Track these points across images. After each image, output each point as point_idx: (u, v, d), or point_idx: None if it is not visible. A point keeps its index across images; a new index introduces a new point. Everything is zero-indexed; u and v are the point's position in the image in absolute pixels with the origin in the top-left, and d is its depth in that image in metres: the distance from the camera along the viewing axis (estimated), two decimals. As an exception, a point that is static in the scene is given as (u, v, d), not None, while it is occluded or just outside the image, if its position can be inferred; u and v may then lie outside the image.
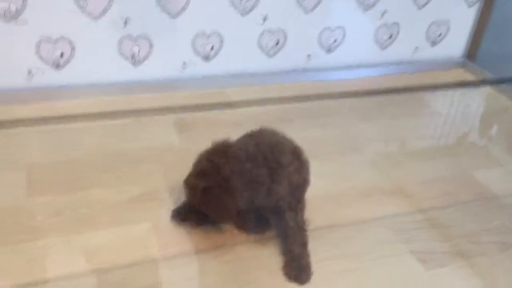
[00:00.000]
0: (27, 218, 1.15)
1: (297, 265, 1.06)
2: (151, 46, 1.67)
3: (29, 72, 1.57)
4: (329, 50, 1.94)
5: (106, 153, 1.41)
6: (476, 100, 1.99)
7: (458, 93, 2.03)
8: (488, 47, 2.09)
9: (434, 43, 2.09)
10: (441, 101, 1.91)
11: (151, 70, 1.71)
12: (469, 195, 1.40)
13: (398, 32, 1.99)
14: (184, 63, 1.75)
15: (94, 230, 1.14)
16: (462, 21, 2.08)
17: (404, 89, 1.95)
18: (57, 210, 1.18)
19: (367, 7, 1.88)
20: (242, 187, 1.04)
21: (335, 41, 1.92)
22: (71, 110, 1.59)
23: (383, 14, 1.92)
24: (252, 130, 1.17)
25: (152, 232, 1.15)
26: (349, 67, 1.99)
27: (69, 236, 1.11)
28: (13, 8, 1.46)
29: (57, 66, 1.59)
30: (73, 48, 1.58)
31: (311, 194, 1.27)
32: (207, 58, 1.77)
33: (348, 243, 1.18)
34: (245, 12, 1.72)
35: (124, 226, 1.16)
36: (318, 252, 1.13)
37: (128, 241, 1.12)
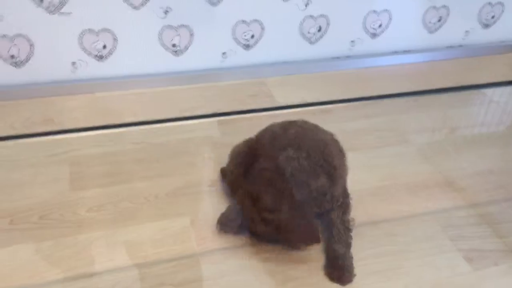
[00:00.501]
0: (71, 212, 1.18)
1: (340, 265, 1.03)
2: (191, 35, 1.66)
3: (73, 64, 1.60)
4: (374, 35, 1.86)
5: (147, 144, 1.42)
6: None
7: (513, 78, 1.91)
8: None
9: (486, 26, 1.97)
10: (494, 88, 1.80)
11: (192, 60, 1.70)
12: (525, 189, 1.32)
13: (448, 14, 1.89)
14: (224, 53, 1.73)
15: (135, 224, 1.15)
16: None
17: (455, 69, 1.86)
18: (99, 204, 1.20)
19: (415, -11, 1.79)
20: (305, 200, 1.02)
21: (380, 25, 1.84)
22: (114, 102, 1.60)
23: (432, -5, 1.83)
24: (284, 126, 1.14)
25: (191, 226, 1.15)
26: (395, 52, 1.91)
27: (111, 230, 1.13)
28: (56, 0, 1.48)
29: (100, 57, 1.61)
30: (115, 40, 1.59)
31: (354, 188, 1.24)
32: (247, 46, 1.74)
33: (391, 240, 1.13)
34: (286, -2, 1.68)
35: (165, 220, 1.17)
36: (360, 250, 1.09)
37: (170, 235, 1.12)
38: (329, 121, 1.54)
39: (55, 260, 1.05)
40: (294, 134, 1.11)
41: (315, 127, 1.18)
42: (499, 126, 1.60)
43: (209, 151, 1.41)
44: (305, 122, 1.18)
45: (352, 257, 1.05)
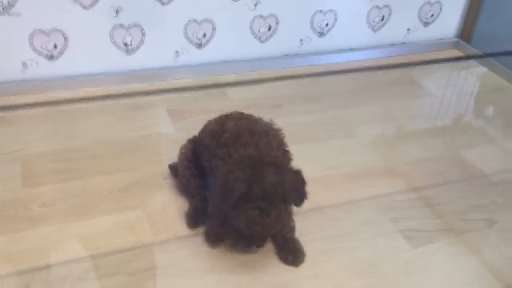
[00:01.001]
0: (24, 209, 1.19)
1: (291, 248, 1.09)
2: (143, 34, 1.69)
3: (24, 64, 1.60)
4: (321, 34, 1.94)
5: (101, 142, 1.44)
6: (470, 80, 1.99)
7: (452, 74, 2.03)
8: (482, 27, 2.08)
9: (426, 24, 2.09)
10: (435, 82, 1.92)
11: (144, 59, 1.73)
12: (459, 174, 1.42)
13: (390, 14, 2.00)
14: (177, 51, 1.77)
15: (89, 218, 1.18)
16: (455, 0, 2.07)
17: (397, 66, 1.97)
18: (52, 200, 1.22)
19: (358, -10, 1.89)
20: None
21: (327, 24, 1.93)
22: (65, 101, 1.61)
23: (374, -4, 1.93)
24: (221, 121, 1.16)
25: (145, 218, 1.18)
26: (341, 50, 2.00)
27: (64, 224, 1.15)
28: (5, 1, 1.48)
29: (51, 57, 1.62)
30: (66, 39, 1.60)
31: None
32: (199, 45, 1.79)
33: (336, 224, 1.21)
34: (235, -1, 1.73)
35: (119, 213, 1.20)
36: (306, 234, 1.15)
37: (123, 227, 1.15)
38: (280, 116, 1.61)
39: (8, 255, 1.06)
40: (232, 127, 1.10)
41: (251, 118, 1.18)
42: (436, 117, 1.71)
43: (163, 147, 1.44)
44: (241, 114, 1.20)
45: (298, 240, 1.11)
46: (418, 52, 2.10)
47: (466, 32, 2.13)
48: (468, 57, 2.09)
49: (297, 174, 1.04)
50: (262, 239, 1.10)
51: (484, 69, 2.02)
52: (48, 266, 1.04)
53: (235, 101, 1.70)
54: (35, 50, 1.58)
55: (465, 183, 1.38)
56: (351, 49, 2.01)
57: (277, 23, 1.85)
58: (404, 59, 2.05)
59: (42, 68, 1.62)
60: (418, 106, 1.76)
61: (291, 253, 1.09)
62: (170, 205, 1.22)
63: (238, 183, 0.95)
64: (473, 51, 2.09)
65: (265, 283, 1.04)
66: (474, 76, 2.00)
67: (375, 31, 2.02)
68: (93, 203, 1.22)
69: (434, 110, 1.75)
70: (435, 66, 2.04)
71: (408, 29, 2.08)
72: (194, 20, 1.72)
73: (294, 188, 1.01)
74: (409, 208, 1.28)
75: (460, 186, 1.37)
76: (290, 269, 1.08)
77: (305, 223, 1.19)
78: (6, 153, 1.37)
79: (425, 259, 1.13)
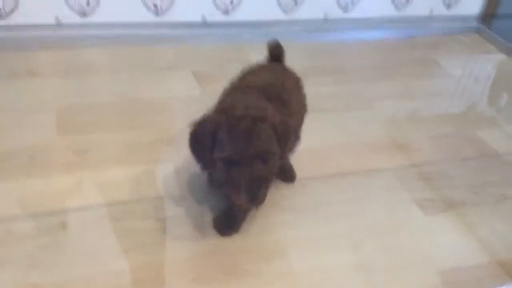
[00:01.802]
0: (59, 155, 1.25)
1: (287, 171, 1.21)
2: (173, -2, 1.72)
3: (57, 19, 1.64)
4: (345, 10, 1.97)
5: (130, 100, 1.49)
6: (489, 64, 2.02)
7: (472, 57, 2.06)
8: (504, 13, 2.11)
9: (449, 6, 2.11)
10: (455, 64, 1.95)
11: (172, 21, 1.77)
12: (473, 151, 1.47)
13: (415, -6, 2.02)
14: (204, 15, 1.80)
15: (122, 167, 1.23)
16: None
17: (418, 45, 2.00)
18: (86, 148, 1.27)
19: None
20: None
21: (351, 1, 1.95)
22: (96, 58, 1.66)
23: (401, -26, 1.95)
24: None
25: (172, 172, 1.24)
26: (365, 27, 2.03)
27: (99, 171, 1.21)
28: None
29: (83, 14, 1.66)
30: (98, -2, 1.64)
31: (322, 144, 1.37)
32: (226, 11, 1.82)
33: (354, 188, 1.26)
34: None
35: (149, 165, 1.25)
36: (324, 196, 1.21)
37: (151, 178, 1.21)
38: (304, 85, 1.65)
39: (45, 195, 1.13)
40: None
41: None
42: (454, 97, 1.75)
43: (188, 107, 1.49)
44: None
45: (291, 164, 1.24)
46: (440, 33, 2.12)
47: (487, 17, 2.16)
48: (488, 42, 2.12)
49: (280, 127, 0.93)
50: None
51: (503, 56, 2.05)
52: (83, 208, 1.11)
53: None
54: (68, 6, 1.62)
55: (479, 161, 1.43)
56: (374, 27, 2.04)
57: (303, -5, 1.88)
58: (426, 40, 2.08)
59: (74, 25, 1.66)
60: (437, 85, 1.80)
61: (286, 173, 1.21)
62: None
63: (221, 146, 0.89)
64: (493, 36, 2.11)
65: (282, 238, 1.10)
66: (493, 60, 2.03)
67: (398, 9, 2.05)
68: (124, 154, 1.28)
69: (452, 90, 1.79)
70: (455, 48, 2.07)
71: (431, 10, 2.10)
72: (224, -13, 1.76)
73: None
74: (425, 179, 1.33)
75: (474, 163, 1.42)
76: (307, 226, 1.14)
77: (325, 186, 1.25)
78: (40, 102, 1.43)
79: (436, 226, 1.19)
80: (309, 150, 1.36)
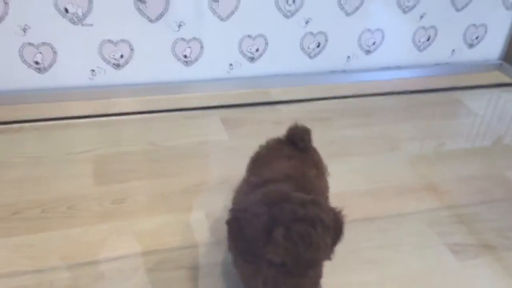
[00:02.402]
0: (96, 204, 1.30)
1: None
2: (201, 48, 1.80)
3: (92, 71, 1.73)
4: (368, 52, 2.02)
5: (161, 148, 1.55)
6: (513, 101, 2.03)
7: (495, 95, 2.07)
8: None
9: (471, 46, 2.14)
10: (478, 102, 1.97)
11: (201, 70, 1.84)
12: (502, 193, 1.47)
13: (436, 34, 2.06)
14: (231, 64, 1.87)
15: (156, 216, 1.27)
16: (500, 24, 2.12)
17: (440, 86, 2.02)
18: (122, 197, 1.32)
19: (406, 10, 1.95)
20: None
21: (374, 43, 2.00)
22: (129, 107, 1.73)
23: (421, 16, 1.99)
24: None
25: (205, 219, 1.27)
26: (387, 68, 2.07)
27: (134, 220, 1.25)
28: (79, 12, 1.61)
29: (117, 66, 1.74)
30: (132, 50, 1.72)
31: (349, 189, 1.40)
32: (252, 59, 1.89)
33: (383, 234, 1.27)
34: (289, 15, 1.83)
35: (179, 213, 1.29)
36: (353, 242, 1.22)
37: (186, 226, 1.25)
38: (328, 129, 1.70)
39: (84, 245, 1.17)
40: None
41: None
42: (479, 137, 1.76)
43: (218, 153, 1.54)
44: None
45: None
46: (462, 72, 2.15)
47: (509, 54, 2.18)
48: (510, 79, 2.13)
49: (337, 216, 0.88)
50: None
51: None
52: (120, 257, 1.15)
53: (285, 113, 1.79)
54: (103, 58, 1.71)
55: (508, 203, 1.43)
56: (397, 67, 2.08)
57: (326, 40, 1.93)
58: (448, 79, 2.11)
59: (109, 76, 1.75)
60: (461, 125, 1.81)
61: None
62: (224, 207, 1.31)
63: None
64: (517, 74, 2.13)
65: None
66: (517, 98, 2.05)
67: (420, 51, 2.09)
68: (157, 202, 1.32)
69: (477, 130, 1.80)
70: (478, 87, 2.08)
71: (453, 50, 2.13)
72: (249, 36, 1.83)
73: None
74: (455, 223, 1.33)
75: (504, 205, 1.42)
76: (338, 273, 1.14)
77: (355, 233, 1.26)
78: (76, 152, 1.49)
79: (470, 272, 1.19)
80: (336, 195, 1.37)
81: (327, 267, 1.15)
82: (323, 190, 1.05)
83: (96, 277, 1.09)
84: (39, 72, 1.68)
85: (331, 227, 0.81)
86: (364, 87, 2.00)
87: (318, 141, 1.60)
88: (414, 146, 1.66)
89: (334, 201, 1.34)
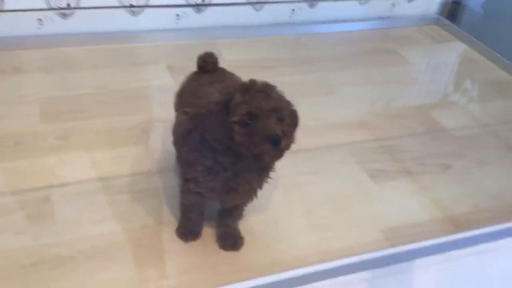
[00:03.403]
0: (42, 140, 1.37)
1: (232, 237, 1.12)
2: (148, -2, 1.86)
3: (40, 20, 1.77)
4: (311, 5, 2.11)
5: (107, 90, 1.62)
6: (446, 53, 2.16)
7: (431, 47, 2.20)
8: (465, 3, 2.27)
9: (410, 0, 2.26)
10: (414, 53, 2.09)
11: (147, 20, 1.90)
12: (423, 128, 1.61)
13: (376, -11, 2.17)
14: (178, 15, 1.94)
15: (99, 150, 1.36)
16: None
17: (379, 37, 2.14)
18: (67, 134, 1.40)
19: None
20: None
21: (317, -5, 2.10)
22: (76, 55, 1.79)
23: (361, -30, 2.09)
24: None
25: (146, 152, 1.37)
26: (330, 21, 2.17)
27: (78, 153, 1.34)
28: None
29: (64, 15, 1.79)
30: (78, -1, 1.77)
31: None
32: (199, 10, 1.96)
33: (309, 163, 1.40)
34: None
35: (124, 147, 1.38)
36: (282, 170, 1.34)
37: (129, 158, 1.34)
38: (270, 75, 1.78)
39: (29, 174, 1.25)
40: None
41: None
42: (411, 83, 1.89)
43: (162, 96, 1.62)
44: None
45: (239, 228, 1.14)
46: (401, 26, 2.27)
47: (447, 9, 2.31)
48: (448, 32, 2.27)
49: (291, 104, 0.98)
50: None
51: (462, 45, 2.20)
52: (64, 185, 1.24)
53: (230, 62, 1.86)
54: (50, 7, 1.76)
55: (428, 136, 1.58)
56: (339, 21, 2.18)
57: (271, -8, 2.02)
58: (387, 32, 2.22)
59: (56, 25, 1.79)
60: (396, 72, 1.94)
61: (230, 240, 1.12)
62: (167, 143, 1.40)
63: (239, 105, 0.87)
64: (453, 27, 2.26)
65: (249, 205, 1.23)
66: (451, 50, 2.18)
67: (361, 4, 2.19)
68: (102, 139, 1.40)
69: (410, 77, 1.93)
70: (416, 39, 2.21)
71: (393, 4, 2.25)
72: (195, -14, 1.90)
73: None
74: (376, 153, 1.47)
75: (423, 138, 1.56)
76: (264, 195, 1.25)
77: (282, 162, 1.37)
78: (24, 95, 1.55)
79: (384, 193, 1.33)
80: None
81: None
82: None
83: (40, 201, 1.18)
84: (-14, 21, 1.71)
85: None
86: (308, 40, 2.10)
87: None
88: (349, 91, 1.77)
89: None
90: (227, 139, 0.88)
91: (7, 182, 1.22)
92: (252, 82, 0.90)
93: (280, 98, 0.92)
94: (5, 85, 1.59)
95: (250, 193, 1.01)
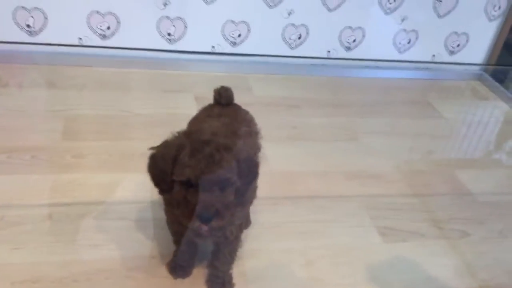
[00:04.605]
0: (59, 157, 1.40)
1: (221, 281, 1.08)
2: (185, 27, 1.89)
3: (80, 39, 1.84)
4: (348, 49, 2.10)
5: (132, 114, 1.65)
6: (485, 111, 2.08)
7: (468, 102, 2.13)
8: (506, 62, 2.18)
9: (452, 53, 2.20)
10: (450, 107, 2.02)
11: (183, 49, 1.94)
12: (447, 189, 1.53)
13: (417, 38, 2.12)
14: (213, 46, 1.96)
15: (112, 172, 1.37)
16: (482, 34, 2.18)
17: (416, 88, 2.09)
18: (85, 153, 1.43)
19: (388, 11, 2.02)
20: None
21: (354, 40, 2.08)
22: (109, 77, 1.84)
23: (403, 19, 2.06)
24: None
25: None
26: (365, 67, 2.14)
27: (91, 174, 1.35)
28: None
29: (104, 36, 1.85)
30: (118, 23, 1.83)
31: (298, 169, 1.49)
32: (234, 44, 1.98)
33: (320, 211, 1.35)
34: (272, 5, 1.91)
35: (133, 173, 1.38)
36: (288, 215, 1.31)
37: (137, 185, 1.34)
38: (294, 115, 1.79)
39: (38, 190, 1.27)
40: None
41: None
42: (441, 137, 1.82)
43: (184, 126, 1.63)
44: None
45: (231, 271, 1.09)
46: (440, 78, 2.21)
47: (491, 65, 2.23)
48: (488, 89, 2.19)
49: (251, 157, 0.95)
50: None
51: (501, 104, 2.11)
52: (69, 204, 1.25)
53: (258, 98, 1.88)
54: (91, 28, 1.82)
55: (450, 197, 1.50)
56: (376, 66, 2.15)
57: (307, 33, 2.02)
58: (424, 83, 2.17)
59: (94, 45, 1.86)
60: (426, 126, 1.88)
61: (218, 284, 1.08)
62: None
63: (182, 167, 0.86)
64: (494, 84, 2.18)
65: (247, 250, 1.20)
66: (489, 107, 2.10)
67: (400, 52, 2.15)
68: (115, 162, 1.42)
69: (441, 132, 1.86)
70: (453, 92, 2.14)
71: (433, 55, 2.19)
72: (232, 21, 1.92)
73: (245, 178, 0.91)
74: (391, 210, 1.41)
75: (444, 199, 1.48)
76: (266, 239, 1.23)
77: (293, 207, 1.35)
78: (53, 110, 1.60)
79: (392, 254, 1.26)
80: (287, 172, 1.48)
81: (256, 233, 1.24)
82: (253, 147, 1.09)
83: (43, 217, 1.20)
84: (30, 35, 1.79)
85: (242, 161, 0.88)
86: (340, 82, 2.08)
87: (280, 124, 1.71)
88: (374, 139, 1.73)
89: (280, 178, 1.44)
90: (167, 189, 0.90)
91: (14, 195, 1.25)
92: (205, 143, 0.86)
93: (229, 168, 0.86)
94: (36, 98, 1.65)
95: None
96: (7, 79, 1.72)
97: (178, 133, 0.96)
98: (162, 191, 0.94)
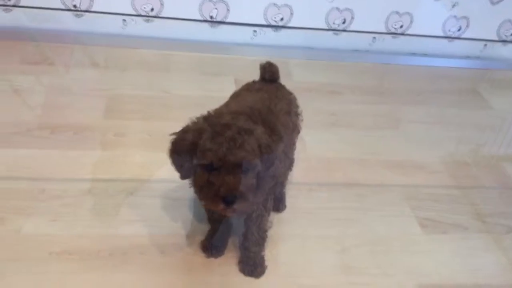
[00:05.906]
0: (100, 134, 1.43)
1: (252, 262, 1.07)
2: (227, 11, 1.88)
3: (124, 21, 1.86)
4: (395, 35, 2.03)
5: (172, 96, 1.66)
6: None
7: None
8: None
9: (505, 42, 2.09)
10: (499, 98, 1.93)
11: (226, 33, 1.93)
12: (493, 181, 1.47)
13: (467, 26, 2.03)
14: (255, 31, 1.95)
15: (151, 151, 1.38)
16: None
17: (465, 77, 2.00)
18: (123, 132, 1.45)
19: (438, -3, 1.95)
20: None
21: (401, 26, 2.01)
22: (153, 58, 1.85)
23: (453, 5, 1.97)
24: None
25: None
26: (412, 54, 2.07)
27: (130, 152, 1.38)
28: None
29: (147, 19, 1.86)
30: (162, 5, 1.84)
31: (336, 156, 1.45)
32: (276, 28, 1.95)
33: (358, 199, 1.32)
34: (316, -11, 1.88)
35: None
36: (331, 201, 1.29)
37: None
38: (336, 102, 1.75)
39: (80, 166, 1.30)
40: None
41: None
42: (488, 128, 1.74)
43: (223, 108, 1.63)
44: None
45: (264, 252, 1.09)
46: (491, 68, 2.10)
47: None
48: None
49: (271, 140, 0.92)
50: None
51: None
52: (108, 180, 1.27)
53: (298, 83, 1.84)
54: (135, 10, 1.84)
55: (497, 191, 1.43)
56: (423, 54, 2.07)
57: (352, 17, 1.96)
58: (475, 72, 2.07)
59: (138, 27, 1.88)
60: (474, 116, 1.79)
61: (250, 266, 1.07)
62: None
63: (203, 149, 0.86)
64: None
65: (274, 232, 1.18)
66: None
67: (450, 40, 2.06)
68: (154, 141, 1.43)
69: (489, 122, 1.78)
70: (504, 84, 2.04)
71: (485, 45, 2.09)
72: (275, 4, 1.89)
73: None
74: (433, 201, 1.35)
75: (490, 193, 1.42)
76: (301, 225, 1.22)
77: (330, 194, 1.32)
78: (96, 89, 1.63)
79: (432, 245, 1.22)
80: (324, 159, 1.45)
81: (291, 218, 1.22)
82: (287, 126, 1.07)
83: (83, 192, 1.22)
84: (76, 16, 1.83)
85: (262, 149, 0.88)
86: (385, 69, 2.01)
87: (319, 111, 1.67)
88: (416, 128, 1.67)
89: (316, 164, 1.42)
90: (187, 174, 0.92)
91: (56, 169, 1.28)
92: (226, 126, 0.87)
93: (251, 150, 0.86)
94: (80, 77, 1.68)
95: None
96: (53, 58, 1.76)
97: (197, 118, 0.96)
98: (183, 177, 0.94)
